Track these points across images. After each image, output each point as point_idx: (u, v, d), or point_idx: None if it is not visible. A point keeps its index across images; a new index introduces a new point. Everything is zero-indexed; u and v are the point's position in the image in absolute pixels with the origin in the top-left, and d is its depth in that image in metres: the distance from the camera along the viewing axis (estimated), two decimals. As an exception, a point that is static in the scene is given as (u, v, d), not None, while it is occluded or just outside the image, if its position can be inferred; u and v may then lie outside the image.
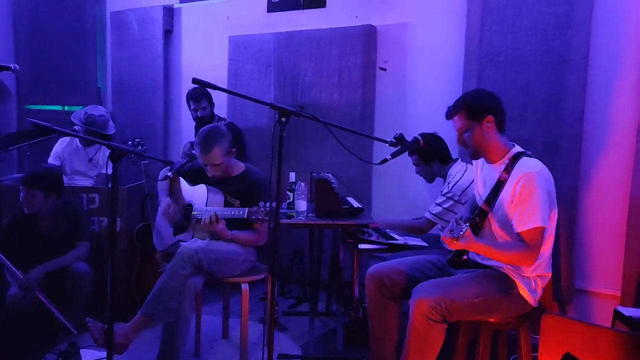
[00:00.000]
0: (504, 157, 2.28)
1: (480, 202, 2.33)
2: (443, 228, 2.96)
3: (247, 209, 2.69)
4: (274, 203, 2.52)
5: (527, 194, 2.13)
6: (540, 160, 2.25)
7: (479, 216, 2.29)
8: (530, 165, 2.19)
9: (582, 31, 3.19)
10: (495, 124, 2.27)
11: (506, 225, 2.21)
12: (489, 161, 2.34)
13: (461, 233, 2.07)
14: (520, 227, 2.14)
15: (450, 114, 2.34)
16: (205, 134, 2.88)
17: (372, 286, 2.48)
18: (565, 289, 3.28)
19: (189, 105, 4.24)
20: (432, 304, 2.13)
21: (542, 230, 2.13)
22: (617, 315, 2.56)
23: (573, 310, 3.35)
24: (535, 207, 2.11)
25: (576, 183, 3.26)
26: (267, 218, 2.60)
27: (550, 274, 2.31)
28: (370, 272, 2.50)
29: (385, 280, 2.43)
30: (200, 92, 4.14)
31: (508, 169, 2.22)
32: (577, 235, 3.31)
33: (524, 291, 2.24)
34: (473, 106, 2.28)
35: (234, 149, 2.97)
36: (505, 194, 2.21)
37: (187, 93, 4.23)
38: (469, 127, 2.28)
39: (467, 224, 2.11)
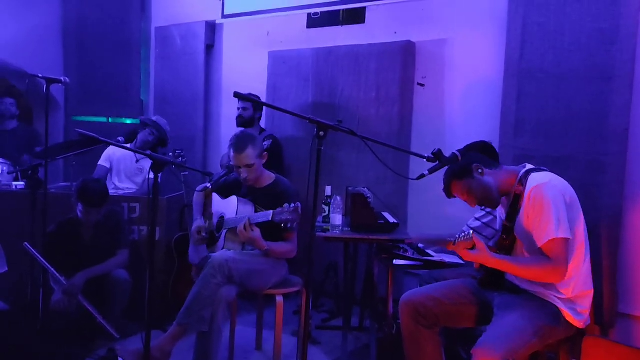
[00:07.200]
0: (515, 184, 2.24)
1: (502, 219, 2.31)
2: None
3: (271, 211, 2.68)
4: (299, 203, 2.55)
5: (538, 208, 2.09)
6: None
7: (505, 234, 2.26)
8: (538, 179, 2.16)
9: (627, 47, 3.12)
10: (484, 165, 2.27)
11: (527, 240, 2.17)
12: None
13: (459, 237, 2.04)
14: (539, 242, 2.09)
15: (448, 193, 2.38)
16: (239, 136, 3.00)
17: (406, 314, 2.41)
18: (608, 312, 3.17)
19: None
20: None
21: (562, 242, 2.05)
22: (663, 341, 2.47)
23: (616, 335, 3.23)
24: (549, 219, 2.06)
25: (620, 202, 3.16)
26: (290, 217, 2.58)
27: (591, 291, 2.22)
28: (404, 300, 2.44)
29: (419, 308, 2.37)
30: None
31: (522, 182, 2.20)
32: (620, 257, 3.20)
33: (569, 317, 2.16)
34: (457, 169, 2.30)
35: (265, 154, 3.02)
36: (521, 208, 2.18)
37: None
38: (467, 187, 2.29)
39: (471, 230, 2.11)
